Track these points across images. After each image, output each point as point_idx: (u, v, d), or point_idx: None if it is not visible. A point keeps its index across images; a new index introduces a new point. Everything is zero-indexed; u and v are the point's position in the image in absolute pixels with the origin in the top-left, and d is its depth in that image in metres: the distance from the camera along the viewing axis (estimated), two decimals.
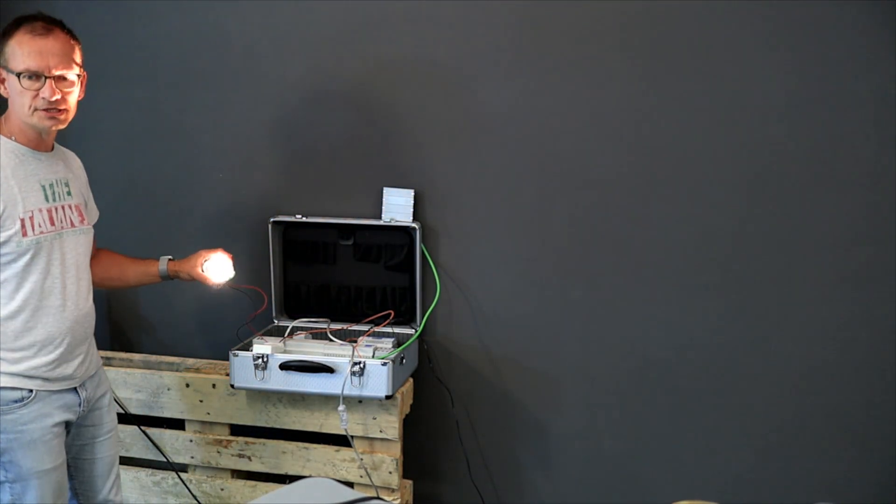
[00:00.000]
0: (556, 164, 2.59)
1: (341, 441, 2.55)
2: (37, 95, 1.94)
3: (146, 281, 2.38)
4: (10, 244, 1.95)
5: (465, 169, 2.64)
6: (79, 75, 2.02)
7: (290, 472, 2.60)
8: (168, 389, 2.66)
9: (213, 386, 2.62)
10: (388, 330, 2.64)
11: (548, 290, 2.65)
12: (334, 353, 2.48)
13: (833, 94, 2.38)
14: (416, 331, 2.66)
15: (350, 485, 2.45)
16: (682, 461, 2.64)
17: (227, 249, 2.40)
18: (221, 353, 2.67)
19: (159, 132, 2.83)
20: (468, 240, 2.67)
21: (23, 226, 1.96)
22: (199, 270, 2.32)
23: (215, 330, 2.81)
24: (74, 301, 2.07)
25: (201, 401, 2.64)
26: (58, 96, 1.95)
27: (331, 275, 2.72)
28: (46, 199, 2.03)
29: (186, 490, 2.67)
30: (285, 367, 2.42)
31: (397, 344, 2.59)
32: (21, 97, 1.95)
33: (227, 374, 2.53)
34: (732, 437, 2.59)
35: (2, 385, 1.97)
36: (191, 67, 2.77)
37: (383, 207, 2.66)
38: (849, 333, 2.47)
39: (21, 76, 1.94)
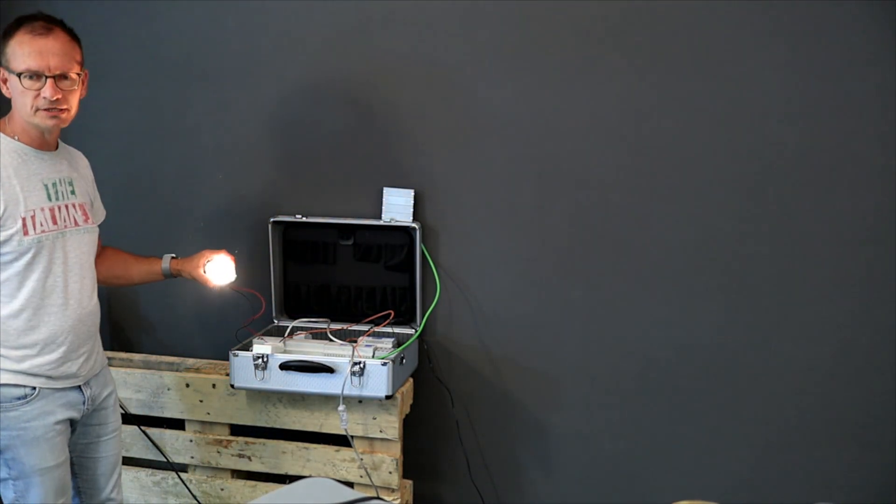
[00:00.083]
0: (556, 164, 2.59)
1: (341, 441, 2.55)
2: (38, 95, 1.95)
3: (150, 279, 2.39)
4: (12, 243, 1.95)
5: (465, 169, 2.64)
6: (79, 74, 2.02)
7: (290, 472, 2.60)
8: (168, 389, 2.66)
9: (213, 386, 2.62)
10: (388, 330, 2.64)
11: (548, 290, 2.65)
12: (334, 353, 2.48)
13: (833, 95, 2.38)
14: (416, 331, 2.66)
15: (350, 485, 2.45)
16: (682, 461, 2.64)
17: (227, 249, 2.40)
18: (221, 353, 2.67)
19: (159, 132, 2.83)
20: (468, 240, 2.67)
21: (24, 225, 1.96)
22: (201, 271, 2.33)
23: (215, 330, 2.81)
24: (77, 299, 2.07)
25: (201, 401, 2.64)
26: (59, 96, 1.96)
27: (331, 275, 2.72)
28: (49, 198, 2.03)
29: (186, 490, 2.67)
30: (285, 367, 2.42)
31: (397, 344, 2.59)
32: (23, 97, 1.96)
33: (227, 374, 2.53)
34: (732, 437, 2.59)
35: (5, 382, 1.98)
36: (191, 67, 2.77)
37: (383, 207, 2.66)
38: (849, 334, 2.47)
39: (22, 76, 1.94)
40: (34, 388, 2.00)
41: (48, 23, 1.97)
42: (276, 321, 2.74)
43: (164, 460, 2.69)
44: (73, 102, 2.02)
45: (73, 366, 2.07)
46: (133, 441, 2.68)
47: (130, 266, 2.36)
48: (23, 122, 2.00)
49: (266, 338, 2.58)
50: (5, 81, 1.99)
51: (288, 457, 2.60)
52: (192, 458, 2.68)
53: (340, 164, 2.72)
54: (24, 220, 1.96)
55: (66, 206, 2.08)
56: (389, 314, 2.63)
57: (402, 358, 2.50)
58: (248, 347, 2.53)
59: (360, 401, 2.47)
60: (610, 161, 2.55)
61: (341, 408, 2.41)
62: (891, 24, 2.32)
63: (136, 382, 2.67)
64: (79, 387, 2.10)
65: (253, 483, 2.67)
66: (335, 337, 2.61)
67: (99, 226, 2.25)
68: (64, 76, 1.97)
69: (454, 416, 2.74)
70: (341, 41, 2.65)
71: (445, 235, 2.68)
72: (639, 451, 2.67)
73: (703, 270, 2.54)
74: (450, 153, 2.65)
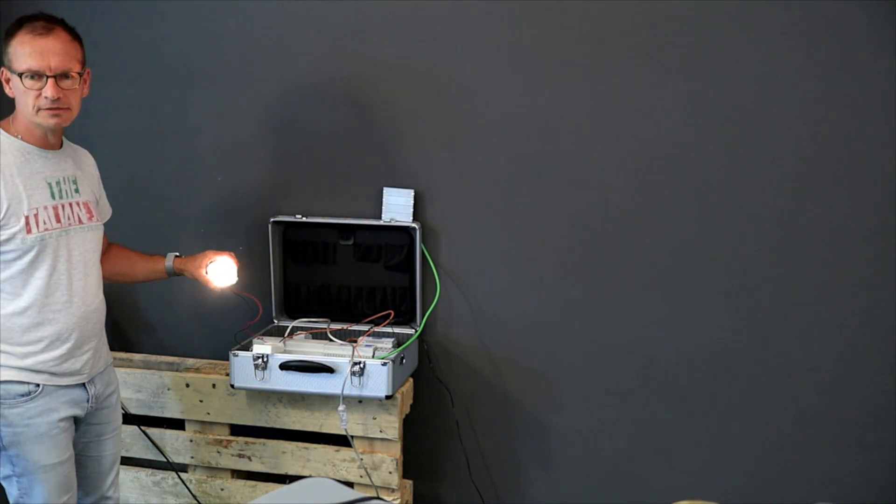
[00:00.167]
0: (556, 164, 2.59)
1: (341, 441, 2.55)
2: (39, 95, 1.96)
3: (154, 277, 2.40)
4: (15, 241, 1.97)
5: (465, 169, 2.64)
6: (80, 73, 2.03)
7: (290, 472, 2.60)
8: (168, 389, 2.66)
9: (213, 386, 2.62)
10: (388, 330, 2.64)
11: (548, 290, 2.65)
12: (334, 353, 2.48)
13: (833, 95, 2.38)
14: (416, 331, 2.66)
15: (350, 485, 2.45)
16: (682, 461, 2.64)
17: (227, 249, 2.40)
18: (221, 353, 2.67)
19: (159, 131, 2.83)
20: (468, 240, 2.67)
21: (27, 223, 1.97)
22: (203, 272, 2.33)
23: (215, 330, 2.81)
24: (82, 297, 2.08)
25: (201, 401, 2.64)
26: (60, 95, 1.97)
27: (331, 275, 2.71)
28: (52, 196, 2.04)
29: (186, 490, 2.67)
30: (285, 367, 2.42)
31: (397, 344, 2.59)
32: (25, 97, 1.97)
33: (227, 374, 2.53)
34: (732, 437, 2.59)
35: (9, 379, 1.99)
36: (191, 67, 2.77)
37: (383, 207, 2.66)
38: (849, 334, 2.47)
39: (23, 76, 1.95)
40: (38, 385, 2.02)
41: (49, 22, 1.98)
42: (276, 321, 2.74)
43: (164, 460, 2.69)
44: (75, 101, 2.03)
45: (77, 363, 2.08)
46: (133, 441, 2.68)
47: (135, 264, 2.37)
48: (26, 121, 2.01)
49: (266, 338, 2.58)
50: (8, 81, 2.00)
51: (288, 457, 2.60)
52: (192, 458, 2.68)
53: (340, 164, 2.72)
54: (27, 218, 1.97)
55: (70, 205, 2.09)
56: (389, 314, 2.63)
57: (402, 358, 2.50)
58: (248, 347, 2.53)
59: (360, 401, 2.47)
60: (610, 161, 2.55)
61: (341, 408, 2.41)
62: (891, 24, 2.31)
63: (136, 382, 2.67)
64: (83, 384, 2.12)
65: (253, 483, 2.67)
66: (335, 337, 2.61)
67: (104, 224, 2.26)
68: (65, 75, 1.98)
69: (454, 416, 2.74)
70: (341, 41, 2.65)
71: (445, 235, 2.68)
72: (639, 451, 2.67)
73: (703, 270, 2.54)
74: (450, 153, 2.65)
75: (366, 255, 2.68)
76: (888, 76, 2.33)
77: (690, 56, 2.45)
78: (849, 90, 2.37)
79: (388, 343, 2.56)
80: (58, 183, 2.06)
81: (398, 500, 2.53)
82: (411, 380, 2.64)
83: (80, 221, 2.10)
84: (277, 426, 2.59)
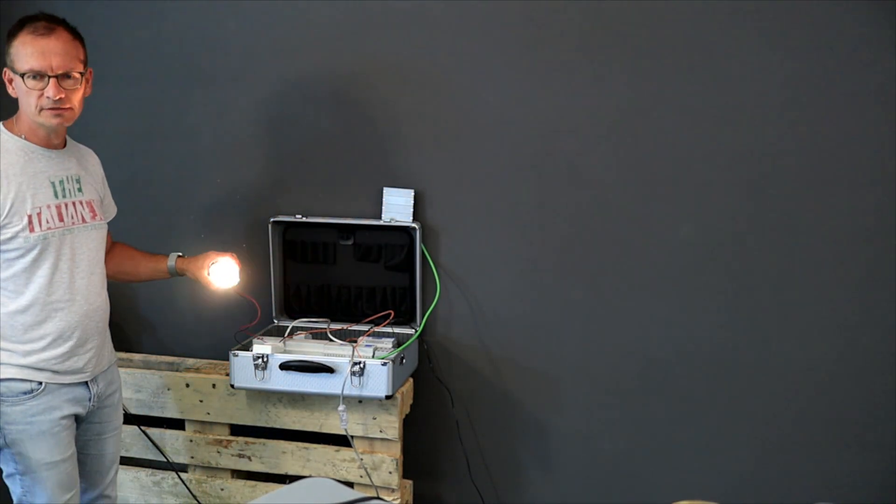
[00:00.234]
0: (556, 164, 2.59)
1: (341, 441, 2.55)
2: (42, 95, 1.97)
3: (157, 276, 2.41)
4: (18, 240, 1.98)
5: (465, 169, 2.64)
6: (82, 73, 2.04)
7: (290, 472, 2.60)
8: (168, 389, 2.66)
9: (213, 386, 2.62)
10: (388, 330, 2.64)
11: (548, 290, 2.65)
12: (334, 353, 2.48)
13: (833, 95, 2.38)
14: (416, 331, 2.66)
15: (350, 485, 2.45)
16: (682, 461, 2.64)
17: (227, 249, 2.40)
18: (221, 353, 2.67)
19: (159, 131, 2.83)
20: (468, 240, 2.67)
21: (30, 222, 1.99)
22: (205, 273, 2.34)
23: (215, 330, 2.81)
24: (85, 296, 2.10)
25: (201, 401, 2.64)
26: (62, 95, 1.98)
27: (331, 275, 2.71)
28: (56, 195, 2.06)
29: (186, 490, 2.67)
30: (285, 367, 2.42)
31: (397, 344, 2.59)
32: (27, 97, 1.99)
33: (227, 374, 2.53)
34: (732, 437, 2.59)
35: (11, 377, 2.00)
36: (191, 67, 2.77)
37: (383, 207, 2.66)
38: (849, 333, 2.47)
39: (25, 76, 1.97)
40: (40, 383, 2.03)
41: (50, 23, 2.00)
42: (276, 321, 2.74)
43: (164, 460, 2.69)
44: (77, 101, 2.04)
45: (80, 361, 2.09)
46: (133, 441, 2.68)
47: (138, 263, 2.38)
48: (29, 121, 2.03)
49: (266, 338, 2.58)
50: (11, 82, 2.02)
51: (288, 457, 2.60)
52: (192, 458, 2.68)
53: (340, 164, 2.72)
54: (29, 217, 1.99)
55: (74, 204, 2.10)
56: (389, 314, 2.63)
57: (402, 358, 2.50)
58: (248, 347, 2.53)
59: (360, 401, 2.47)
60: (610, 161, 2.55)
61: (341, 408, 2.41)
62: (891, 24, 2.31)
63: (136, 382, 2.67)
64: (86, 383, 2.13)
65: (253, 483, 2.67)
66: (335, 337, 2.61)
67: (108, 223, 2.27)
68: (67, 75, 1.99)
69: (454, 416, 2.74)
70: (342, 41, 2.65)
71: (445, 235, 2.68)
72: (639, 451, 2.67)
73: (703, 270, 2.54)
74: (450, 153, 2.65)
75: (366, 255, 2.68)
76: (888, 76, 2.33)
77: (690, 56, 2.45)
78: (849, 90, 2.37)
79: (388, 343, 2.56)
80: (61, 182, 2.08)
81: (398, 500, 2.53)
82: (411, 380, 2.64)
83: (84, 220, 2.12)
84: (277, 426, 2.59)
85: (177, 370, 2.73)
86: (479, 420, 2.75)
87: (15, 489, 2.08)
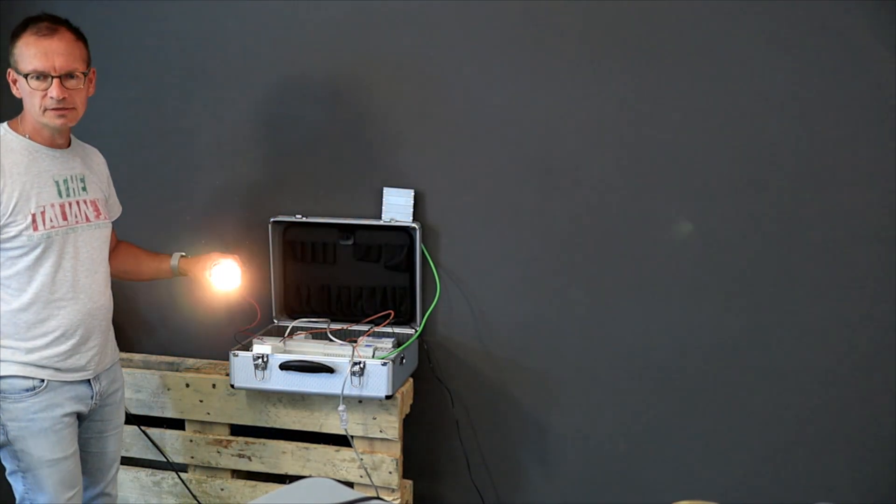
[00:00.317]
0: (556, 164, 2.59)
1: (341, 441, 2.55)
2: (45, 95, 1.99)
3: (160, 276, 2.42)
4: (21, 238, 2.00)
5: (465, 169, 2.64)
6: (85, 73, 2.06)
7: (290, 472, 2.60)
8: (168, 389, 2.66)
9: (213, 386, 2.62)
10: (388, 330, 2.64)
11: (548, 290, 2.65)
12: (334, 353, 2.48)
13: (833, 95, 2.38)
14: (416, 331, 2.66)
15: (350, 485, 2.45)
16: (682, 461, 2.64)
17: (227, 249, 2.41)
18: (221, 353, 2.67)
19: (159, 131, 2.83)
20: (468, 240, 2.67)
21: (34, 220, 2.00)
22: (207, 274, 2.34)
23: (215, 330, 2.81)
24: (88, 294, 2.11)
25: (201, 401, 2.64)
26: (65, 95, 1.99)
27: (331, 275, 2.71)
28: (59, 194, 2.07)
29: (186, 490, 2.67)
30: (285, 367, 2.42)
31: (397, 344, 2.59)
32: (31, 97, 2.00)
33: (227, 374, 2.53)
34: (732, 437, 2.59)
35: (13, 374, 2.02)
36: (191, 67, 2.77)
37: (383, 207, 2.66)
38: (849, 333, 2.47)
39: (29, 77, 1.99)
40: (42, 381, 2.04)
41: (53, 23, 2.01)
42: (276, 321, 2.74)
43: (164, 460, 2.69)
44: (80, 101, 2.06)
45: (82, 359, 2.10)
46: (133, 441, 2.68)
47: (141, 262, 2.39)
48: (33, 121, 2.05)
49: (266, 338, 2.58)
50: (15, 82, 2.03)
51: (288, 457, 2.60)
52: (192, 458, 2.68)
53: (340, 164, 2.72)
54: (33, 215, 2.00)
55: (77, 203, 2.11)
56: (389, 314, 2.63)
57: (402, 358, 2.50)
58: (248, 347, 2.53)
59: (360, 401, 2.47)
60: (610, 161, 2.55)
61: (341, 408, 2.41)
62: (891, 24, 2.31)
63: (136, 382, 2.67)
64: (88, 381, 2.14)
65: (253, 483, 2.67)
66: (335, 337, 2.61)
67: (113, 222, 2.29)
68: (70, 75, 2.01)
69: (454, 416, 2.74)
70: (342, 41, 2.65)
71: (445, 235, 2.68)
72: (639, 451, 2.67)
73: (702, 270, 2.54)
74: (450, 153, 2.65)
75: (366, 255, 2.68)
76: (888, 76, 2.33)
77: (690, 56, 2.45)
78: (849, 90, 2.37)
79: (388, 343, 2.56)
80: (65, 181, 2.09)
81: (398, 500, 2.53)
82: (411, 380, 2.64)
83: (88, 219, 2.13)
84: (277, 426, 2.59)
85: (177, 370, 2.73)
86: (479, 420, 2.75)
87: (17, 487, 2.10)
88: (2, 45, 2.12)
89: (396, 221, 2.64)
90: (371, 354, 2.48)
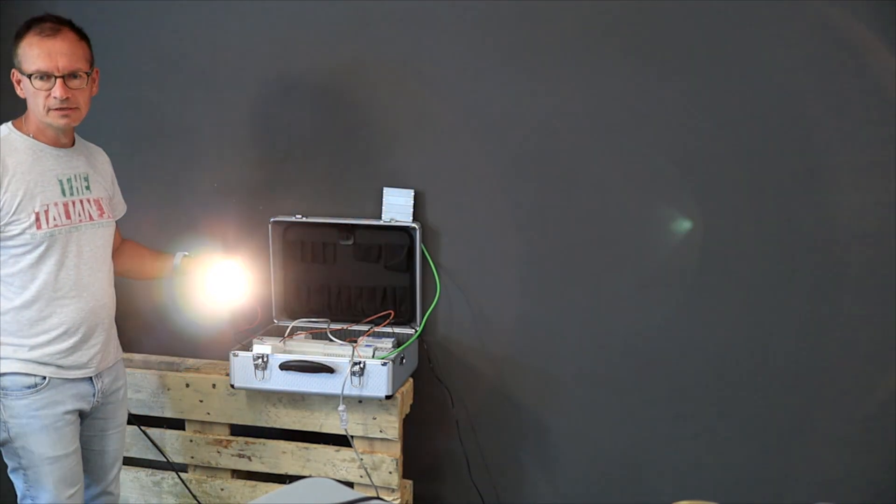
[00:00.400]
0: (556, 164, 2.59)
1: (341, 441, 2.55)
2: (49, 95, 2.01)
3: (163, 275, 2.44)
4: (25, 236, 2.02)
5: (465, 169, 2.64)
6: (88, 73, 2.07)
7: (290, 472, 2.61)
8: (168, 389, 2.66)
9: (213, 386, 2.62)
10: (388, 330, 2.64)
11: (548, 290, 2.65)
12: (334, 353, 2.48)
13: (833, 95, 2.38)
14: (416, 331, 2.66)
15: (350, 485, 2.45)
16: (682, 461, 2.64)
17: (227, 249, 2.41)
18: (221, 353, 2.67)
19: (159, 131, 2.83)
20: (468, 240, 2.67)
21: (37, 219, 2.02)
22: (206, 280, 2.37)
23: (215, 330, 2.80)
24: (91, 292, 2.12)
25: (201, 401, 2.64)
26: (68, 95, 2.01)
27: (331, 275, 2.71)
28: (63, 193, 2.09)
29: (186, 490, 2.67)
30: (285, 367, 2.42)
31: (397, 344, 2.59)
32: (35, 97, 2.02)
33: (227, 374, 2.53)
34: (732, 436, 2.59)
35: (15, 371, 2.03)
36: (191, 67, 2.77)
37: (383, 207, 2.66)
38: (849, 333, 2.47)
39: (33, 77, 2.01)
40: (44, 378, 2.05)
41: (56, 23, 2.03)
42: (276, 321, 2.74)
43: (164, 460, 2.69)
44: (84, 101, 2.08)
45: (84, 356, 2.11)
46: (133, 441, 2.68)
47: (145, 261, 2.42)
48: (37, 121, 2.07)
49: (266, 338, 2.58)
50: (19, 82, 2.05)
51: (288, 457, 2.60)
52: (192, 458, 2.68)
53: (340, 164, 2.72)
54: (37, 214, 2.02)
55: (81, 202, 2.13)
56: (389, 314, 2.63)
57: (402, 358, 2.50)
58: (248, 347, 2.53)
59: (360, 401, 2.47)
60: (610, 161, 2.55)
61: (341, 408, 2.41)
62: (891, 24, 2.31)
63: (136, 382, 2.67)
64: (90, 378, 2.15)
65: (253, 483, 2.67)
66: (335, 337, 2.61)
67: (118, 221, 2.32)
68: (73, 75, 2.03)
69: (454, 416, 2.74)
70: (341, 41, 2.65)
71: (445, 235, 2.68)
72: (639, 451, 2.67)
73: (702, 270, 2.54)
74: (450, 153, 2.65)
75: (366, 255, 2.68)
76: (888, 76, 2.33)
77: (690, 56, 2.45)
78: (849, 90, 2.37)
79: (388, 343, 2.56)
80: (69, 180, 2.11)
81: (398, 500, 2.53)
82: (411, 380, 2.64)
83: (91, 218, 2.15)
84: (277, 426, 2.59)
85: (177, 370, 2.73)
86: (479, 420, 2.75)
87: (18, 484, 2.12)
88: (4, 45, 2.13)
89: (396, 221, 2.64)
90: (371, 354, 2.48)
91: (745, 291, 2.52)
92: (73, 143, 2.16)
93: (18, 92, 2.06)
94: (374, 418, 2.49)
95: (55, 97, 2.00)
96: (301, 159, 2.75)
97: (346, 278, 2.70)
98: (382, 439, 2.51)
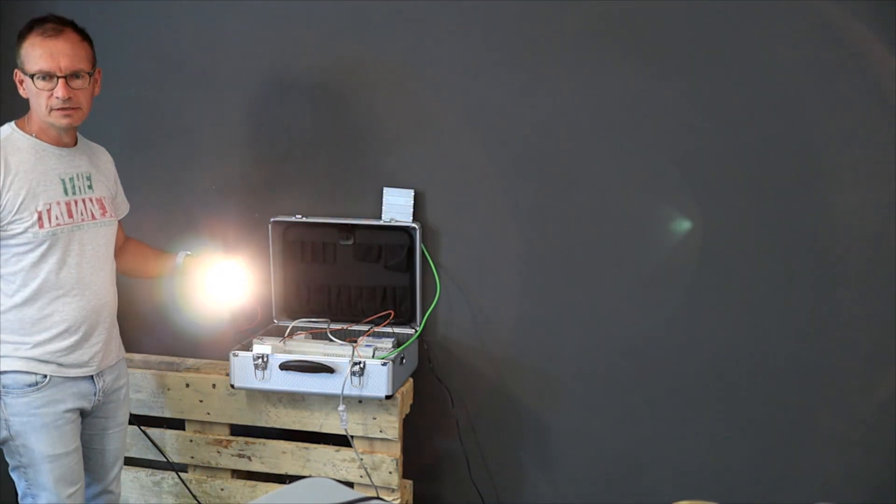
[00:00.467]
0: (556, 163, 2.59)
1: (341, 441, 2.55)
2: (51, 95, 2.02)
3: (166, 274, 2.45)
4: (27, 235, 2.03)
5: (465, 169, 2.64)
6: (91, 73, 2.09)
7: (290, 472, 2.61)
8: (168, 389, 2.66)
9: (213, 386, 2.62)
10: (388, 330, 2.64)
11: (548, 290, 2.65)
12: (334, 353, 2.48)
13: (833, 95, 2.38)
14: (416, 331, 2.66)
15: (350, 485, 2.45)
16: (682, 461, 2.64)
17: (228, 249, 2.40)
18: (221, 353, 2.67)
19: (159, 131, 2.83)
20: (468, 240, 2.67)
21: (39, 218, 2.03)
22: (205, 278, 2.37)
23: (215, 330, 2.80)
24: (93, 290, 2.13)
25: (201, 401, 2.64)
26: (70, 95, 2.02)
27: (331, 275, 2.71)
28: (66, 192, 2.10)
29: (186, 490, 2.67)
30: (285, 367, 2.42)
31: (397, 344, 2.59)
32: (37, 97, 2.04)
33: (227, 374, 2.53)
34: (732, 436, 2.59)
35: (16, 369, 2.04)
36: (190, 67, 2.77)
37: (383, 207, 2.66)
38: (849, 333, 2.47)
39: (35, 77, 2.02)
40: (45, 376, 2.06)
41: (58, 24, 2.04)
42: (276, 321, 2.74)
43: (164, 460, 2.69)
44: (85, 101, 2.09)
45: (85, 354, 2.12)
46: (133, 441, 2.68)
47: (148, 260, 2.43)
48: (40, 120, 2.08)
49: (266, 338, 2.58)
50: (21, 83, 2.07)
51: (288, 457, 2.60)
52: (192, 458, 2.68)
53: (340, 164, 2.72)
54: (39, 213, 2.03)
55: (84, 201, 2.14)
56: (389, 314, 2.63)
57: (402, 358, 2.50)
58: (248, 347, 2.53)
59: (360, 401, 2.47)
60: (610, 161, 2.55)
61: (341, 408, 2.41)
62: (891, 24, 2.31)
63: (136, 382, 2.66)
64: (91, 377, 2.15)
65: (253, 483, 2.67)
66: (335, 337, 2.61)
67: (121, 220, 2.34)
68: (75, 75, 2.04)
69: (454, 416, 2.74)
70: (341, 41, 2.65)
71: (445, 235, 2.68)
72: (639, 451, 2.67)
73: (702, 270, 2.54)
74: (450, 153, 2.65)
75: (366, 255, 2.68)
76: (888, 76, 2.33)
77: (690, 56, 2.45)
78: (849, 90, 2.37)
79: (388, 343, 2.56)
80: (71, 179, 2.12)
81: (398, 500, 2.53)
82: (411, 380, 2.64)
83: (93, 217, 2.16)
84: (277, 426, 2.59)
85: (177, 370, 2.73)
86: (479, 420, 2.75)
87: (19, 483, 2.12)
88: (6, 46, 2.14)
89: (396, 221, 2.64)
90: (371, 354, 2.48)
91: (745, 291, 2.52)
92: (75, 143, 2.17)
93: (21, 92, 2.07)
94: (374, 418, 2.49)
95: (57, 97, 2.01)
96: (301, 159, 2.75)
97: (346, 278, 2.70)
98: (382, 439, 2.51)
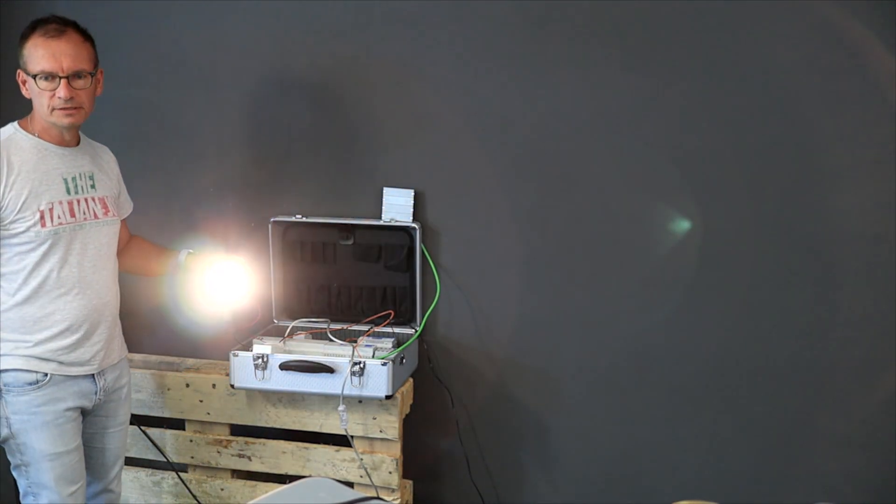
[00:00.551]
0: (556, 164, 2.59)
1: (341, 441, 2.55)
2: (53, 95, 2.03)
3: (168, 271, 2.45)
4: (29, 234, 2.04)
5: (465, 169, 2.64)
6: (93, 73, 2.10)
7: (290, 472, 2.61)
8: (168, 389, 2.66)
9: (213, 386, 2.62)
10: (388, 330, 2.64)
11: (548, 290, 2.65)
12: (334, 353, 2.48)
13: (833, 94, 2.38)
14: (416, 331, 2.66)
15: (350, 485, 2.45)
16: (682, 461, 2.64)
17: (228, 249, 2.40)
18: (221, 353, 2.67)
19: (159, 131, 2.83)
20: (468, 240, 2.67)
21: (42, 217, 2.04)
22: (205, 278, 2.37)
23: (215, 330, 2.80)
24: (95, 289, 2.14)
25: (201, 401, 2.64)
26: (72, 95, 2.03)
27: (331, 275, 2.71)
28: (68, 191, 2.11)
29: (186, 490, 2.67)
30: (285, 367, 2.42)
31: (397, 344, 2.59)
32: (40, 97, 2.05)
33: (227, 374, 2.53)
34: (732, 436, 2.59)
35: (17, 367, 2.04)
36: (190, 67, 2.77)
37: (383, 207, 2.66)
38: (849, 333, 2.47)
39: (37, 77, 2.03)
40: (46, 374, 2.07)
41: (61, 24, 2.06)
42: (276, 321, 2.74)
43: (164, 460, 2.69)
44: (88, 101, 2.10)
45: (86, 353, 2.13)
46: (133, 441, 2.68)
47: (150, 258, 2.44)
48: (42, 120, 2.09)
49: (266, 338, 2.58)
50: (24, 83, 2.08)
51: (288, 457, 2.60)
52: (192, 458, 2.68)
53: (340, 164, 2.72)
54: (41, 212, 2.04)
55: (86, 200, 2.15)
56: (389, 314, 2.63)
57: (402, 358, 2.50)
58: (248, 347, 2.53)
59: (360, 401, 2.47)
60: (609, 161, 2.55)
61: (341, 408, 2.41)
62: (891, 24, 2.31)
63: (136, 382, 2.66)
64: (92, 376, 2.15)
65: (253, 483, 2.67)
66: (335, 337, 2.61)
67: (125, 219, 2.35)
68: (78, 76, 2.05)
69: (454, 416, 2.74)
70: (341, 42, 2.65)
71: (445, 235, 2.68)
72: (639, 450, 2.67)
73: (702, 270, 2.54)
74: (450, 153, 2.65)
75: (366, 255, 2.68)
76: (888, 76, 2.33)
77: (690, 56, 2.45)
78: (848, 90, 2.37)
79: (387, 343, 2.56)
80: (73, 179, 2.12)
81: (398, 500, 2.53)
82: (411, 380, 2.64)
83: (96, 216, 2.17)
84: (277, 426, 2.59)
85: (177, 370, 2.73)
86: (479, 420, 2.75)
87: (21, 481, 2.13)
88: (7, 46, 2.14)
89: (396, 221, 2.64)
90: (371, 354, 2.48)
91: (745, 291, 2.52)
92: (78, 143, 2.18)
93: (24, 92, 2.08)
94: (374, 418, 2.49)
95: (59, 97, 2.02)
96: (301, 159, 2.75)
97: (346, 278, 2.71)
98: (382, 439, 2.51)
